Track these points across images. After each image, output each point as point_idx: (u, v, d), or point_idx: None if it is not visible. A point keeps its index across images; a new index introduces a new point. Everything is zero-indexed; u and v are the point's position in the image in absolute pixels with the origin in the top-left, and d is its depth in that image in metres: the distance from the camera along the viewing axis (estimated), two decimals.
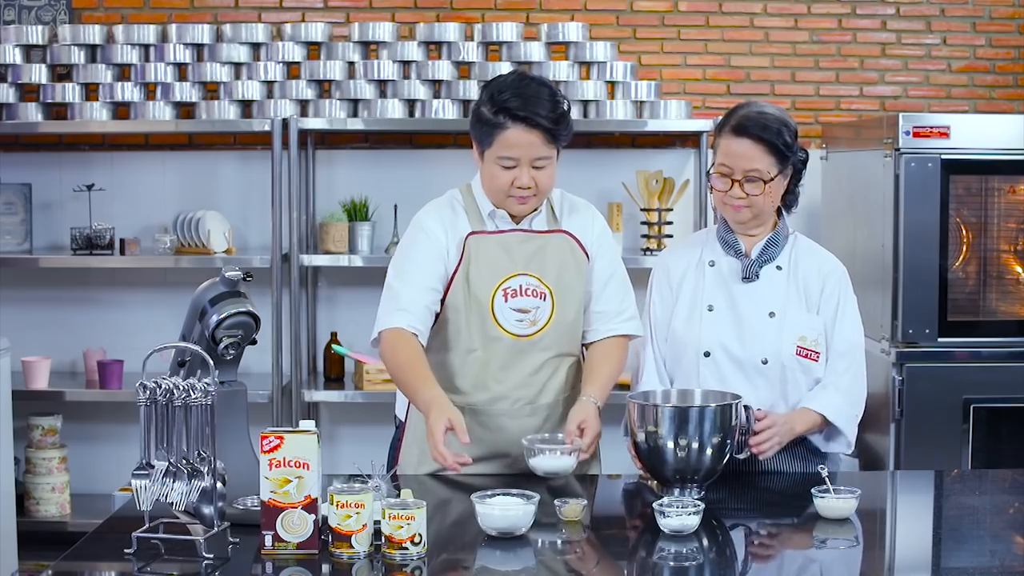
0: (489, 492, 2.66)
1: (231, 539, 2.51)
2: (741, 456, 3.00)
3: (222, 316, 2.73)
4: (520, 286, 3.09)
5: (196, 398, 2.46)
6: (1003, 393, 4.45)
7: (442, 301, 3.11)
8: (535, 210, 3.13)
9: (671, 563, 2.53)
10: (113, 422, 5.12)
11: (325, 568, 2.44)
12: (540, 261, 3.11)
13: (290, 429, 2.49)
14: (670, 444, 2.84)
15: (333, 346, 5.02)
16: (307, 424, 2.53)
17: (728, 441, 2.88)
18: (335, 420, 5.24)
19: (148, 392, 2.48)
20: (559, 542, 2.65)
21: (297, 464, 2.46)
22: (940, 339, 4.44)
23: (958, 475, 3.70)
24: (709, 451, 2.84)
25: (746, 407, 2.99)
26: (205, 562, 2.44)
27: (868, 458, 4.53)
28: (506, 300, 3.08)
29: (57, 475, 4.95)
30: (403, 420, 3.26)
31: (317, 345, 5.19)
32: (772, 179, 3.10)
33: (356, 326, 5.03)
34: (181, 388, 2.47)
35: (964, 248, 4.57)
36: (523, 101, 2.97)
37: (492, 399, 3.10)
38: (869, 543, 2.74)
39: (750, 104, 3.16)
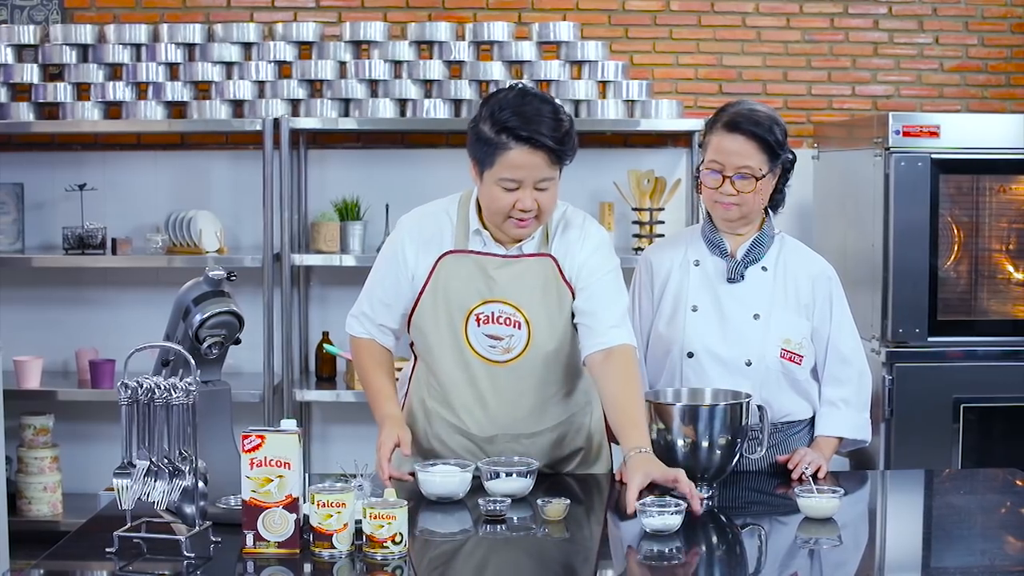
0: (431, 461, 2.93)
1: (213, 538, 2.51)
2: (754, 456, 3.03)
3: (205, 316, 2.73)
4: (492, 313, 2.98)
5: (177, 397, 2.46)
6: (993, 392, 4.46)
7: (411, 318, 3.06)
8: (538, 228, 2.98)
9: (652, 563, 2.52)
10: (105, 421, 5.12)
11: (306, 567, 2.44)
12: (517, 288, 2.97)
13: (271, 428, 2.49)
14: (680, 442, 2.85)
15: (325, 345, 5.03)
16: (288, 423, 2.53)
17: (738, 440, 2.88)
18: (327, 419, 5.24)
19: (129, 391, 2.48)
20: (540, 542, 2.65)
21: (278, 463, 2.46)
22: (930, 338, 4.44)
23: (948, 475, 3.70)
24: (719, 449, 2.85)
25: (759, 406, 3.00)
26: (187, 561, 2.44)
27: (858, 457, 4.51)
28: (479, 325, 2.98)
29: (49, 474, 4.96)
30: None
31: (309, 344, 5.20)
32: (763, 176, 3.09)
33: None
34: (162, 387, 2.47)
35: (956, 247, 4.57)
36: (525, 120, 2.82)
37: (483, 428, 3.04)
38: (851, 543, 2.73)
39: (741, 102, 3.16)
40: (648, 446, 2.81)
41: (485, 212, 2.96)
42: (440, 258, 3.00)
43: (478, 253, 2.99)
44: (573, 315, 3.02)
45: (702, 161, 3.15)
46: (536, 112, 2.84)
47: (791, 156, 3.16)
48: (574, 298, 3.00)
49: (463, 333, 2.99)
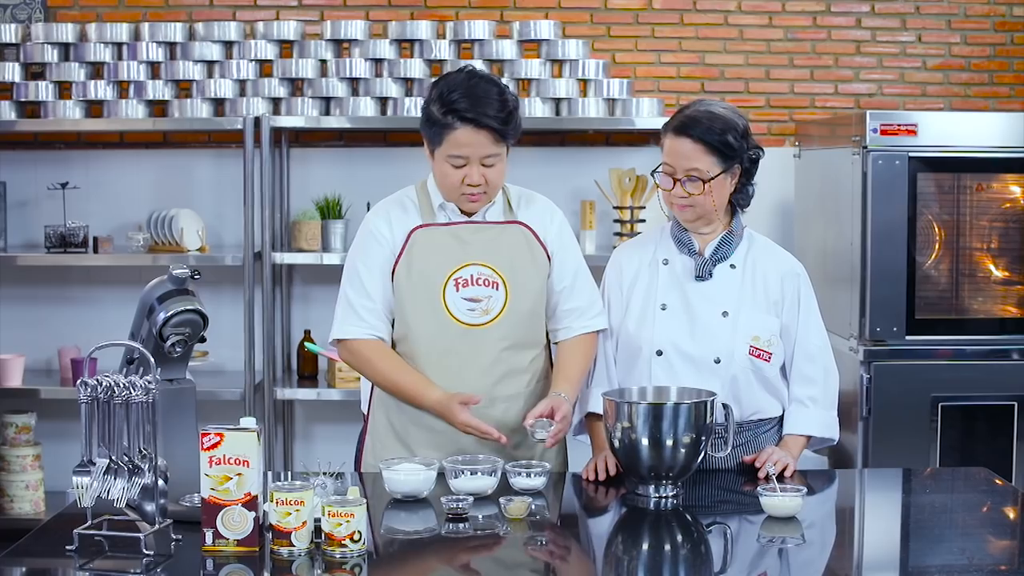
0: (395, 459, 2.94)
1: (174, 536, 2.51)
2: (720, 454, 3.03)
3: (169, 314, 2.73)
4: (472, 275, 3.10)
5: (137, 395, 2.47)
6: (971, 391, 4.46)
7: None
8: (488, 203, 3.14)
9: (616, 561, 2.52)
10: None
11: (266, 565, 2.45)
12: (494, 250, 3.12)
13: (230, 426, 2.50)
14: (644, 440, 2.85)
15: (306, 344, 5.03)
16: (247, 421, 2.53)
17: (703, 438, 2.88)
18: (309, 418, 5.24)
19: (89, 389, 2.48)
20: (502, 540, 2.65)
21: (237, 461, 2.47)
22: (908, 337, 4.44)
23: (927, 473, 3.70)
24: (683, 448, 2.85)
25: (724, 404, 3.00)
26: (147, 559, 2.45)
27: (836, 456, 4.53)
28: (458, 289, 3.10)
29: (31, 472, 4.97)
30: (366, 414, 3.27)
31: (290, 343, 5.20)
32: (713, 178, 3.09)
33: (329, 324, 4.87)
34: (122, 386, 2.47)
35: (937, 246, 4.57)
36: (472, 102, 2.99)
37: (449, 388, 3.09)
38: (816, 541, 2.73)
39: (697, 103, 3.16)
40: (569, 395, 3.07)
41: (439, 188, 3.13)
42: (411, 233, 3.13)
43: (447, 224, 3.13)
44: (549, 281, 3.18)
45: (660, 164, 3.16)
46: (485, 93, 3.02)
47: (753, 154, 3.15)
48: (550, 260, 3.16)
49: (441, 299, 3.09)
